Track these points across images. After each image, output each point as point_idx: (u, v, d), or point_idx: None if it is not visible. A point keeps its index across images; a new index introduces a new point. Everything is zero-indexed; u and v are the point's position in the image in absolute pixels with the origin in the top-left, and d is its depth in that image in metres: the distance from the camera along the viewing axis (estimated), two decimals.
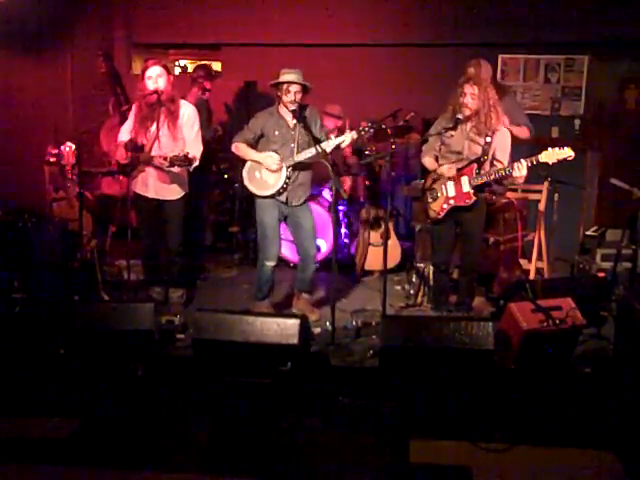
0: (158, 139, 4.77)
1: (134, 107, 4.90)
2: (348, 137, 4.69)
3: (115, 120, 6.35)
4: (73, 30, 7.34)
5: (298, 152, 4.74)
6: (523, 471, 3.25)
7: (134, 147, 4.78)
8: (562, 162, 4.34)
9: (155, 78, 4.71)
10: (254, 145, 4.83)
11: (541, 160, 4.37)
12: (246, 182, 4.86)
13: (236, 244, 6.74)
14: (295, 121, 4.71)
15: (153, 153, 4.79)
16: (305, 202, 4.93)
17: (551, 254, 5.57)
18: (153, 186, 4.90)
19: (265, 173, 4.78)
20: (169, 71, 4.84)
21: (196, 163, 4.80)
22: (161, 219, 4.99)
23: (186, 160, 4.58)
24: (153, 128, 4.75)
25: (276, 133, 4.74)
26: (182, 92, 5.27)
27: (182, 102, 4.92)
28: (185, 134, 4.83)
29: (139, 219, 5.14)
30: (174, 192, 4.93)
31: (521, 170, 4.44)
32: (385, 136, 5.88)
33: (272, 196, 4.80)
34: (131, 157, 4.78)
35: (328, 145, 4.68)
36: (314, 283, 5.20)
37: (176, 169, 4.73)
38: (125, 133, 4.89)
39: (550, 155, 4.33)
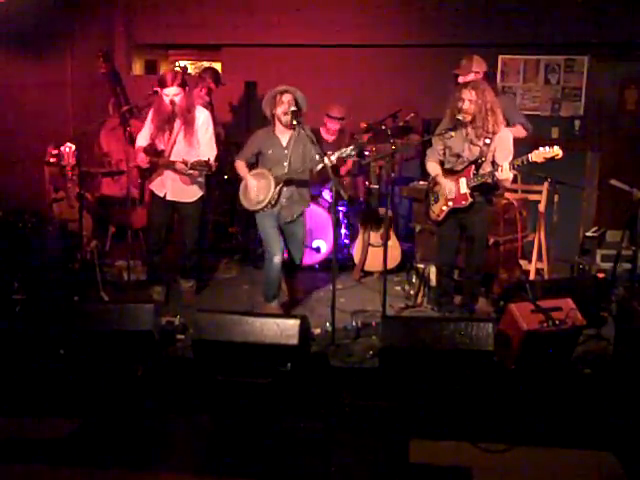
0: (175, 145, 4.96)
1: (150, 113, 5.06)
2: (328, 162, 4.62)
3: (115, 120, 6.37)
4: (73, 30, 7.34)
5: (289, 171, 4.81)
6: (523, 471, 3.25)
7: (154, 152, 4.98)
8: (551, 161, 4.33)
9: (172, 97, 4.87)
10: (254, 162, 4.96)
11: (531, 160, 4.36)
12: (240, 195, 4.97)
13: (236, 244, 6.75)
14: (288, 139, 4.81)
15: (172, 158, 4.96)
16: (299, 217, 5.01)
17: (551, 255, 5.57)
18: (171, 188, 5.07)
19: (254, 191, 4.85)
20: (185, 84, 4.95)
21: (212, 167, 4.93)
22: (173, 219, 5.21)
23: (206, 166, 4.75)
24: (173, 134, 4.95)
25: (270, 152, 4.85)
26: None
27: (198, 108, 5.08)
28: (200, 138, 4.99)
29: (149, 214, 5.36)
30: (191, 194, 5.11)
31: (503, 173, 4.44)
32: (385, 137, 5.89)
33: (261, 210, 4.86)
34: (151, 161, 4.97)
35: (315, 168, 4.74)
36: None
37: (195, 172, 4.89)
38: (142, 138, 5.06)
39: (538, 155, 4.33)
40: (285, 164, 4.83)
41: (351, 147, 4.64)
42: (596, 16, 6.59)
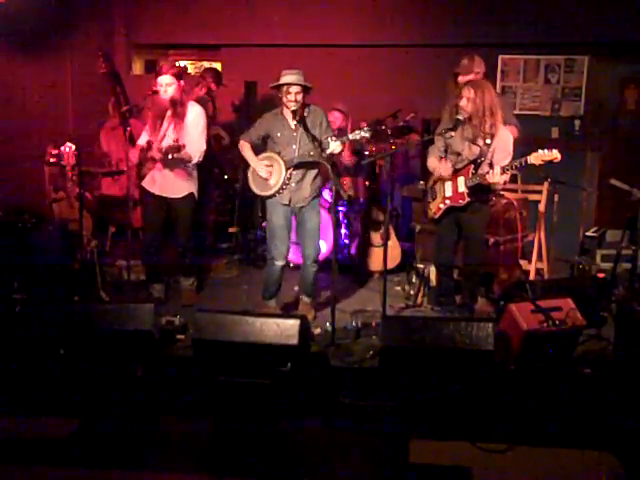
0: (164, 139, 4.94)
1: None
2: (339, 145, 4.63)
3: (115, 120, 6.36)
4: (73, 30, 7.33)
5: (299, 154, 4.76)
6: (523, 471, 3.25)
7: (148, 147, 4.99)
8: (549, 164, 4.33)
9: (165, 87, 4.90)
10: (260, 145, 4.89)
11: (529, 162, 4.36)
12: (250, 182, 4.93)
13: (236, 244, 6.74)
14: (296, 122, 4.71)
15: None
16: (312, 201, 4.92)
17: (551, 255, 5.58)
18: (159, 183, 5.07)
19: (265, 175, 4.81)
20: (180, 77, 4.98)
21: (195, 160, 4.99)
22: (166, 217, 5.15)
23: (177, 148, 4.77)
24: (163, 128, 4.96)
25: (278, 135, 4.78)
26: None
27: (190, 103, 5.09)
28: (190, 132, 4.97)
29: (143, 214, 5.39)
30: (179, 190, 5.08)
31: (494, 177, 4.44)
32: (385, 137, 5.89)
33: (272, 196, 4.84)
34: (140, 156, 5.00)
35: (326, 150, 4.66)
36: (316, 287, 5.16)
37: (172, 155, 4.83)
38: (144, 136, 5.09)
39: (537, 157, 4.33)
40: (294, 147, 4.75)
41: (365, 129, 4.62)
42: (596, 16, 6.59)
